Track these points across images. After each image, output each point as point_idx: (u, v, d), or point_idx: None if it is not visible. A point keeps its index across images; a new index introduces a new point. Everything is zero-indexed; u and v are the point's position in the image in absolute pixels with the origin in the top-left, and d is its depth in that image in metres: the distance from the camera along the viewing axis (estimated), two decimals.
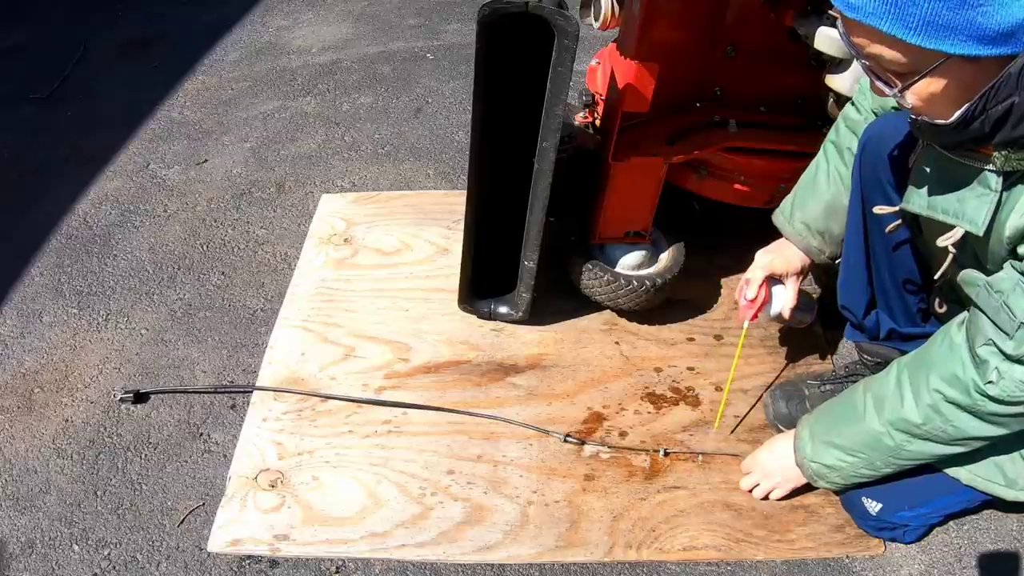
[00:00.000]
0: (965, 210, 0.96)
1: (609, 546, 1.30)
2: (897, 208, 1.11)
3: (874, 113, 1.24)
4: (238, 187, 2.11)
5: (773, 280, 1.38)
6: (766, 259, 1.37)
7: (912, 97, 0.86)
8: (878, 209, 1.15)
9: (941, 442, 1.07)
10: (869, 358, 1.43)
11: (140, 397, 1.55)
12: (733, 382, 1.45)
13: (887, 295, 1.32)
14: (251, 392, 1.54)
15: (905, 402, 1.07)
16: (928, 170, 1.02)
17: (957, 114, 0.85)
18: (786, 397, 1.46)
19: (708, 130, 1.53)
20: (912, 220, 1.16)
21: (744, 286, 1.37)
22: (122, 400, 1.54)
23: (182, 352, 1.66)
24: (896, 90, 0.86)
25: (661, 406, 1.51)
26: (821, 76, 1.41)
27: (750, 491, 1.34)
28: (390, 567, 1.29)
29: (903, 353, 1.38)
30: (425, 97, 2.45)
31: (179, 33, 2.83)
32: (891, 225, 1.16)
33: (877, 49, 0.83)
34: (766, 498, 1.33)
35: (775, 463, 1.30)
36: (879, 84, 0.88)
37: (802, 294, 1.48)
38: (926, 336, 1.34)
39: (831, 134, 1.32)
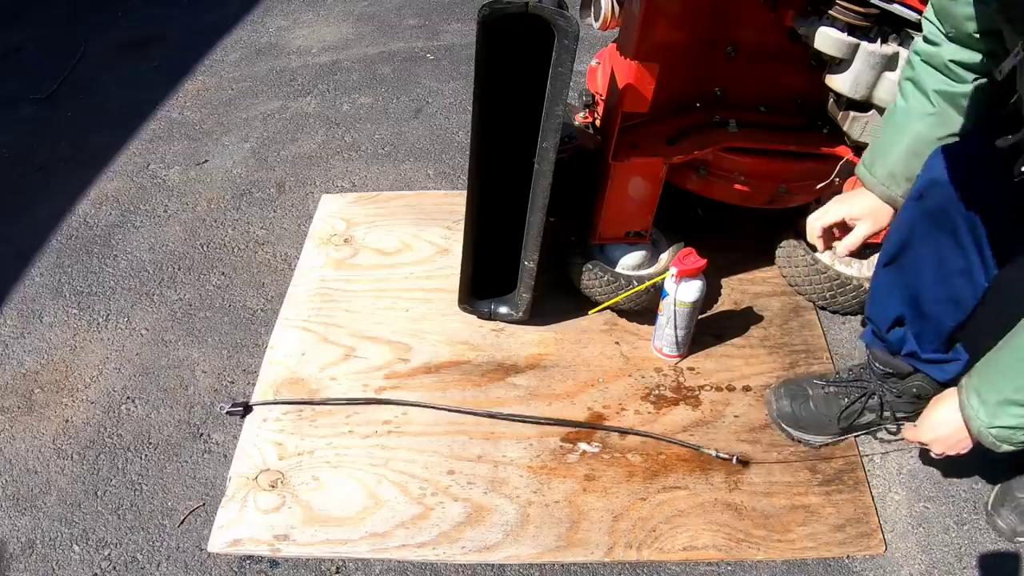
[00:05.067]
0: None
1: (609, 546, 1.30)
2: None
3: (948, 39, 1.10)
4: (238, 187, 2.11)
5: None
6: (843, 207, 1.29)
7: None
8: (1001, 141, 0.98)
9: None
10: (880, 367, 1.38)
11: (247, 409, 1.51)
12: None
13: (921, 316, 1.25)
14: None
15: None
16: None
17: None
18: (790, 395, 1.45)
19: (708, 130, 1.53)
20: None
21: (823, 216, 1.30)
22: (230, 413, 1.50)
23: (182, 352, 1.66)
24: None
25: (661, 406, 1.51)
26: (821, 76, 1.41)
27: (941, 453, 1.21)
28: (390, 567, 1.29)
29: (915, 370, 1.33)
30: (425, 97, 2.45)
31: (179, 33, 2.83)
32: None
33: None
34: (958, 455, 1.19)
35: (946, 439, 1.16)
36: None
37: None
38: (945, 362, 1.29)
39: (906, 71, 1.20)
